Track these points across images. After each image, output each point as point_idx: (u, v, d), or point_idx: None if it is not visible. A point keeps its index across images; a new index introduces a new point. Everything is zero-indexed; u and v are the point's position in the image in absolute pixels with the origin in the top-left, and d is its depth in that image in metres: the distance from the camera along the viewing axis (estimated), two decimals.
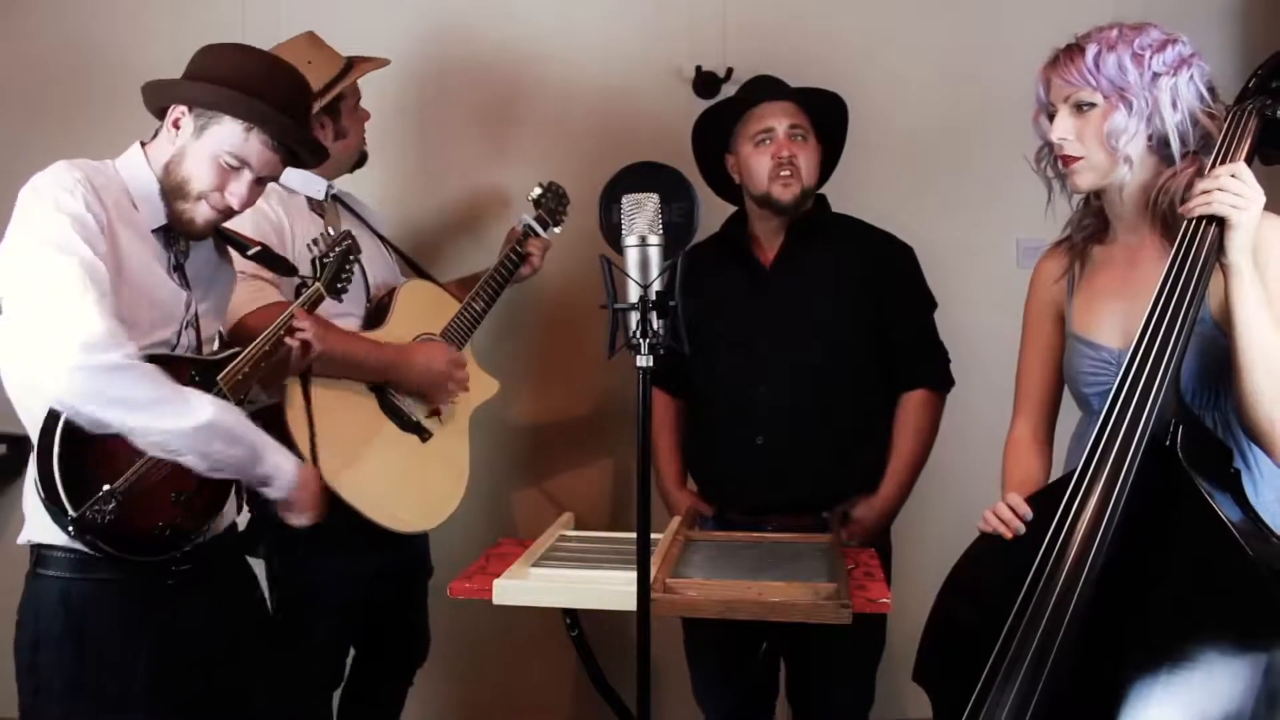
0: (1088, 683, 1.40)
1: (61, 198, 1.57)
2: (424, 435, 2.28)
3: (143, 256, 1.66)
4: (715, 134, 2.35)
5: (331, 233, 1.94)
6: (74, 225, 1.55)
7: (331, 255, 1.91)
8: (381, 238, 2.47)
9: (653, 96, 2.85)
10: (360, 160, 2.41)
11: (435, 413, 2.32)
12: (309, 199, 2.27)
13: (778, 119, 2.25)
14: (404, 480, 2.21)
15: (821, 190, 2.37)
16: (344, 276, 1.94)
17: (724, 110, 2.36)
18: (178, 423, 1.57)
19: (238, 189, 1.69)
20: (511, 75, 2.92)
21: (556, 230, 2.58)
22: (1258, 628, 1.33)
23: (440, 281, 2.52)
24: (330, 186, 2.31)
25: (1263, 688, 1.31)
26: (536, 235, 2.53)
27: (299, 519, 1.81)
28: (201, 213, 1.70)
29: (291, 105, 1.73)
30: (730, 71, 2.75)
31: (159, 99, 1.72)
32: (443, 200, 2.89)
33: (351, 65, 2.31)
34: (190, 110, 1.68)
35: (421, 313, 2.38)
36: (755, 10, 2.85)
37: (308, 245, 1.96)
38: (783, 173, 2.22)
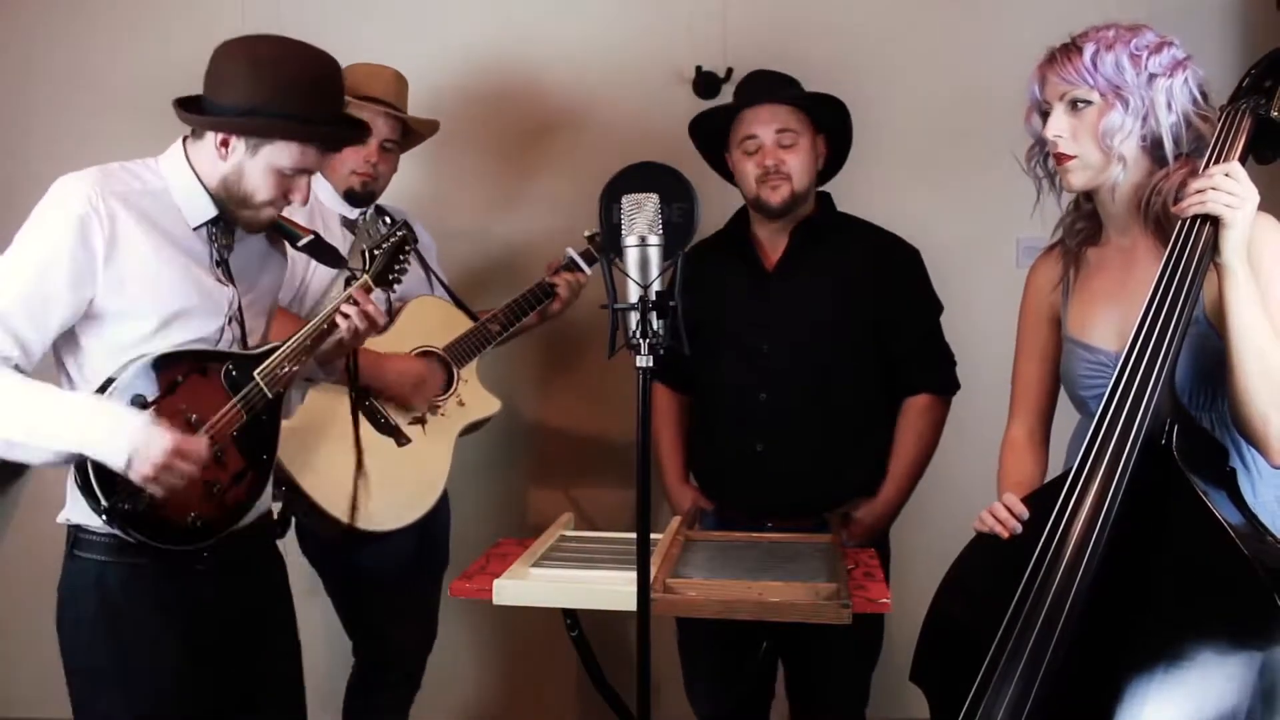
0: (1084, 681, 1.41)
1: (57, 217, 1.61)
2: (401, 440, 2.29)
3: (173, 261, 1.68)
4: (711, 136, 2.34)
5: (388, 223, 1.92)
6: (49, 249, 1.59)
7: (383, 247, 1.87)
8: (425, 265, 2.49)
9: (653, 96, 2.85)
10: (360, 196, 2.38)
11: (419, 420, 2.33)
12: (342, 216, 2.30)
13: (764, 126, 2.22)
14: (367, 480, 2.22)
15: (824, 189, 2.37)
16: (396, 268, 1.89)
17: (715, 116, 2.35)
18: None
19: (299, 191, 1.73)
20: (510, 76, 2.92)
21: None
22: (1253, 626, 1.33)
23: (475, 311, 2.51)
24: (366, 210, 2.36)
25: (1258, 686, 1.31)
26: (578, 270, 2.47)
27: (150, 486, 1.57)
28: (266, 215, 1.74)
29: (334, 101, 1.73)
30: (730, 72, 2.75)
31: (202, 129, 1.70)
32: (441, 200, 2.89)
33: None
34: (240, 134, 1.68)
35: (426, 327, 2.40)
36: (755, 10, 2.86)
37: (355, 234, 1.93)
38: (771, 178, 2.21)
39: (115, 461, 1.55)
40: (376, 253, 1.86)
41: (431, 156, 2.68)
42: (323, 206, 2.36)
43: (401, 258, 1.90)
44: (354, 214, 2.37)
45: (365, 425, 2.25)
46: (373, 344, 2.29)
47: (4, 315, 1.57)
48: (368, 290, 1.83)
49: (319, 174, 2.38)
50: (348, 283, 1.85)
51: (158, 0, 2.92)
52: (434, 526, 2.42)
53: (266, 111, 1.64)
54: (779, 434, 2.24)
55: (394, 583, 2.37)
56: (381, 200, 2.46)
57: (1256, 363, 1.46)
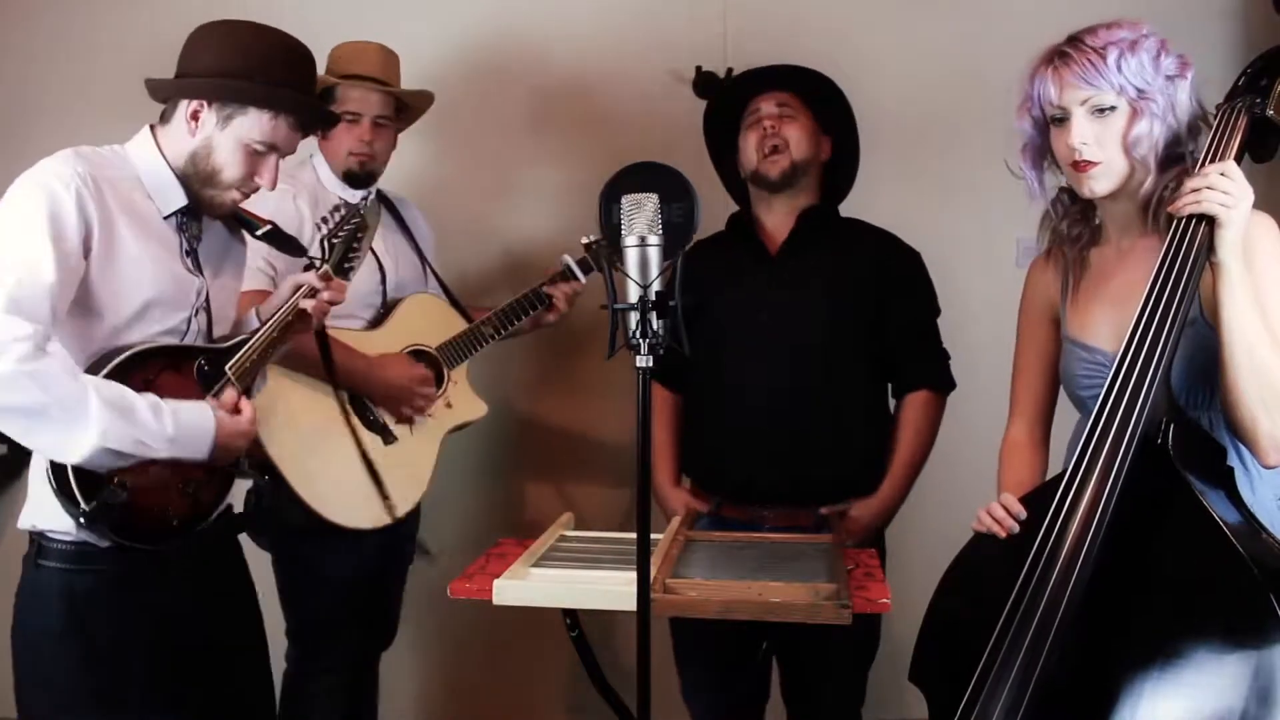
0: (1081, 681, 1.41)
1: (53, 190, 1.55)
2: (388, 438, 2.28)
3: (149, 249, 1.66)
4: (723, 137, 2.40)
5: (343, 209, 1.92)
6: (49, 222, 1.53)
7: (339, 235, 1.86)
8: (422, 256, 2.48)
9: (653, 96, 2.85)
10: (360, 177, 2.37)
11: (407, 419, 2.32)
12: (342, 200, 2.29)
13: (766, 101, 2.32)
14: (355, 478, 2.21)
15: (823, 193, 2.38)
16: (351, 256, 1.88)
17: (725, 108, 2.40)
18: (67, 453, 1.51)
19: (267, 171, 1.72)
20: (511, 76, 2.92)
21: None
22: (1249, 626, 1.33)
23: (468, 308, 2.51)
24: (369, 193, 2.35)
25: (1254, 686, 1.31)
26: (574, 278, 2.49)
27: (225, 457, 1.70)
28: (231, 197, 1.73)
29: (306, 80, 1.74)
30: (730, 72, 2.75)
31: (174, 95, 1.70)
32: (440, 195, 2.89)
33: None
34: (211, 104, 1.68)
35: (421, 325, 2.38)
36: (755, 10, 2.86)
37: (316, 225, 1.93)
38: (769, 145, 2.27)
39: (203, 451, 1.63)
40: (335, 241, 1.86)
41: (430, 153, 2.68)
42: (326, 192, 2.34)
43: (355, 245, 1.89)
44: (355, 197, 2.33)
45: (354, 421, 2.23)
46: (368, 339, 2.28)
47: (50, 291, 1.50)
48: (328, 278, 1.82)
49: (321, 156, 2.38)
50: (307, 271, 1.85)
51: None
52: (403, 526, 2.36)
53: (241, 76, 1.65)
54: (780, 414, 2.24)
55: (354, 583, 2.31)
56: (396, 196, 2.44)
57: (1247, 361, 1.45)
